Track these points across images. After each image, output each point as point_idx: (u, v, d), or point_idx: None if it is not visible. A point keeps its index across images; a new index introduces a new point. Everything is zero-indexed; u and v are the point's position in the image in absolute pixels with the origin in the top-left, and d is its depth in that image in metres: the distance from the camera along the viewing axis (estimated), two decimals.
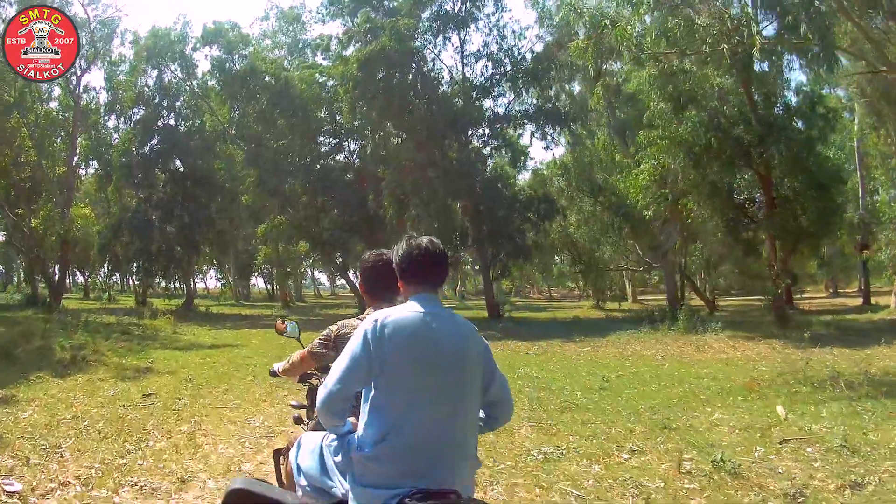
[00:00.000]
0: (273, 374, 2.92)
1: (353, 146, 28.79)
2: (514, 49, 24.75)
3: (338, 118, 27.40)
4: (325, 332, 2.60)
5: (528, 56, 24.38)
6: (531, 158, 31.20)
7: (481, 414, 2.12)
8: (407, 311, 2.00)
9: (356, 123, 25.78)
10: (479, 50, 25.03)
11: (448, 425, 1.93)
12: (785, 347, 12.36)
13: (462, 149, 23.95)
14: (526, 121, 24.85)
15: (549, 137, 24.92)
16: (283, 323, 3.06)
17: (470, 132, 24.22)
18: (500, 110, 25.25)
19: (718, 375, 9.31)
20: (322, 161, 27.78)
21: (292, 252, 35.71)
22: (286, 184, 26.79)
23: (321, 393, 1.98)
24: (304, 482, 2.14)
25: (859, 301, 25.01)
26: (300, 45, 33.02)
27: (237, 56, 27.32)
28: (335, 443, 2.05)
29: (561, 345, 14.29)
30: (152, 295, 31.58)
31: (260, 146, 26.26)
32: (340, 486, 1.99)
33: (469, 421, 2.01)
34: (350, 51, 23.93)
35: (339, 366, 1.96)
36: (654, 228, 21.86)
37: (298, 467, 2.17)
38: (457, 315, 2.11)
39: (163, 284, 32.00)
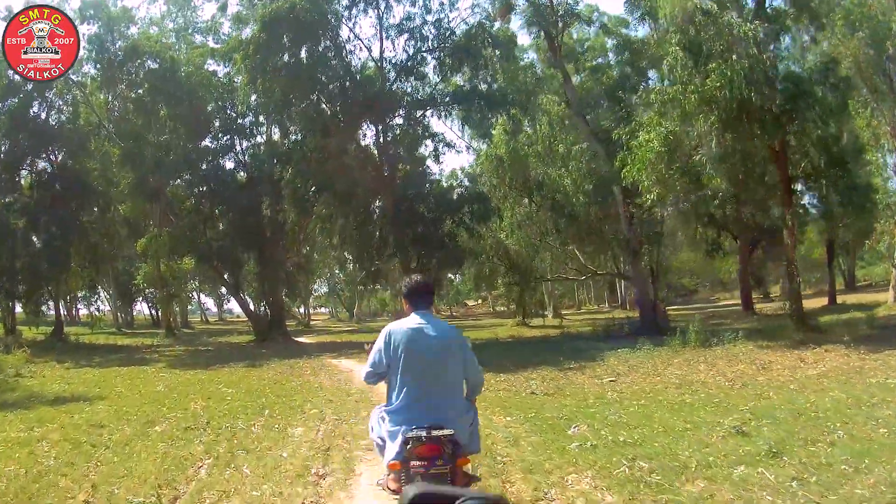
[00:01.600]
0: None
1: (245, 144, 24.44)
2: (443, 22, 21.15)
3: (229, 111, 23.50)
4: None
5: (460, 30, 21.05)
6: (458, 151, 27.56)
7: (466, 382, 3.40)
8: (408, 322, 3.31)
9: (253, 101, 21.31)
10: (401, 23, 21.25)
11: (437, 389, 3.19)
12: (858, 353, 10.07)
13: (380, 137, 20.83)
14: (455, 105, 21.46)
15: (482, 124, 21.99)
16: (368, 346, 3.63)
17: (389, 118, 20.81)
18: (426, 92, 21.66)
19: None
20: (211, 160, 23.33)
21: (176, 270, 30.35)
22: (168, 186, 22.57)
23: (362, 371, 3.40)
24: (373, 434, 3.46)
25: (823, 301, 23.21)
26: (190, 31, 28.35)
27: (118, 35, 23.07)
28: (378, 410, 3.40)
29: (564, 376, 10.21)
30: (30, 322, 27.08)
31: (140, 142, 21.68)
32: (382, 432, 3.27)
33: (453, 386, 3.28)
34: (248, 32, 20.32)
35: (370, 357, 3.34)
36: (605, 231, 19.59)
37: (371, 427, 3.50)
38: (442, 322, 3.45)
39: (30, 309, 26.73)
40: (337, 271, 48.36)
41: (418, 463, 2.93)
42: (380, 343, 3.27)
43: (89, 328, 32.58)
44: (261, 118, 23.74)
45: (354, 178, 19.67)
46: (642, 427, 5.98)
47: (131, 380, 11.92)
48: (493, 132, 21.18)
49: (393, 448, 3.10)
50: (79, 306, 50.11)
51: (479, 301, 60.18)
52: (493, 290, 32.05)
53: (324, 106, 20.48)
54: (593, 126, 20.06)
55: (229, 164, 24.39)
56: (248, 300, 27.56)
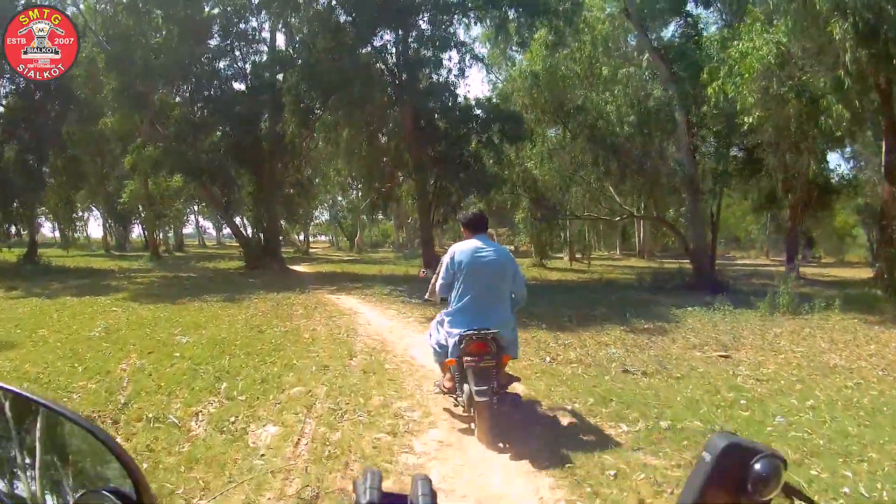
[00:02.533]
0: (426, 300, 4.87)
1: (246, 49, 20.90)
2: None
3: (229, 12, 19.97)
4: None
5: None
6: (487, 65, 23.27)
7: (513, 297, 4.20)
8: (468, 244, 4.12)
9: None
10: None
11: (489, 299, 4.00)
12: None
13: (400, 44, 17.44)
14: (488, 9, 17.42)
15: (518, 34, 17.81)
16: (423, 272, 5.08)
17: (411, 20, 17.22)
18: None
19: None
20: (206, 65, 19.91)
21: (166, 188, 27.35)
22: (156, 93, 19.29)
23: (437, 284, 4.23)
24: (430, 340, 4.33)
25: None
26: None
27: None
28: (441, 316, 4.21)
29: (648, 341, 7.46)
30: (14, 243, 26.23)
31: (128, 44, 18.13)
32: (441, 337, 4.13)
33: (502, 298, 4.08)
34: None
35: (439, 273, 4.18)
36: (652, 166, 16.52)
37: (430, 334, 4.38)
38: (499, 245, 4.33)
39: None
40: (339, 198, 45.15)
41: (470, 358, 3.79)
42: (446, 259, 4.15)
43: (64, 250, 30.39)
44: (264, 23, 20.55)
45: (369, 81, 16.30)
46: (855, 453, 3.52)
47: (72, 316, 9.16)
48: (531, 45, 17.84)
49: (451, 346, 3.98)
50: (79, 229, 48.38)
51: (493, 234, 57.28)
52: (515, 226, 29.50)
53: (335, 2, 17.13)
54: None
55: (227, 72, 20.94)
56: (246, 224, 24.77)
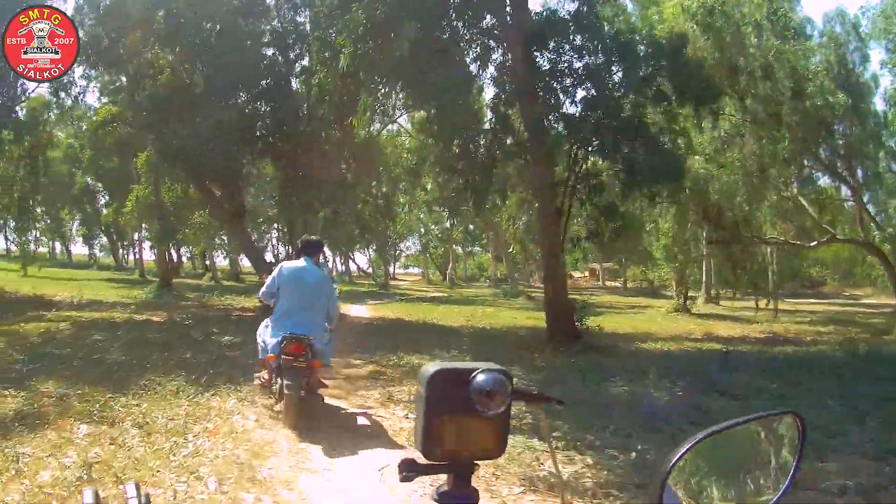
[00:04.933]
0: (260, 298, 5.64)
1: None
2: None
3: None
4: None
5: None
6: None
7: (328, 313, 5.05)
8: (295, 263, 5.13)
9: None
10: None
11: (306, 311, 4.80)
12: None
13: None
14: None
15: None
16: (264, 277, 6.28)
17: None
18: None
19: None
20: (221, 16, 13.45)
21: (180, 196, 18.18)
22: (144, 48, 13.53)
23: (261, 292, 5.18)
24: (259, 340, 4.98)
25: None
26: None
27: None
28: (268, 320, 4.98)
29: None
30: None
31: None
32: (266, 337, 4.82)
33: (318, 311, 4.91)
34: None
35: (267, 282, 5.10)
36: None
37: (259, 334, 5.01)
38: (316, 267, 5.07)
39: None
40: (422, 219, 39.14)
41: (287, 357, 4.56)
42: (274, 273, 5.07)
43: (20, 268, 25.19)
44: None
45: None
46: None
47: None
48: None
49: (271, 345, 4.70)
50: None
51: (585, 273, 50.59)
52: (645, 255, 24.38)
53: None
54: None
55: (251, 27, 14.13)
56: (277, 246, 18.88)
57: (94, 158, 27.14)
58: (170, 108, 12.51)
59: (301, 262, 5.05)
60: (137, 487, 0.86)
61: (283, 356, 4.57)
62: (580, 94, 10.56)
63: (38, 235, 35.57)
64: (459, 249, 41.01)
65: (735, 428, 0.91)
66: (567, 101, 10.64)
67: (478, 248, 52.11)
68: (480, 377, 0.81)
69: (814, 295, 32.53)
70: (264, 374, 5.01)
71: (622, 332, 13.05)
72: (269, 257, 18.36)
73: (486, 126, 11.77)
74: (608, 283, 44.57)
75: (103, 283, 23.58)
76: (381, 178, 20.76)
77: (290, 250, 14.92)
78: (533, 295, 26.28)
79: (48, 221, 37.07)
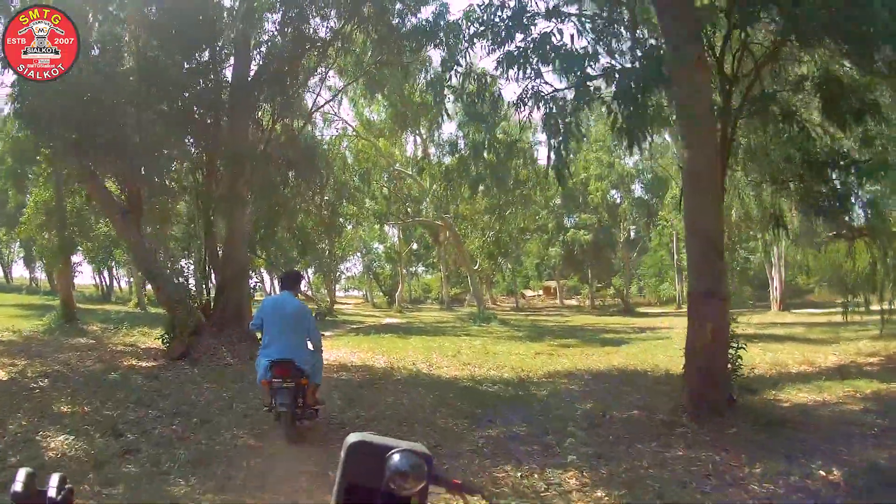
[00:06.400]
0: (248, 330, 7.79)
1: None
2: None
3: None
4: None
5: None
6: None
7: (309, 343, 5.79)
8: (276, 297, 6.12)
9: None
10: None
11: (289, 338, 5.56)
12: None
13: None
14: None
15: None
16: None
17: None
18: None
19: None
20: None
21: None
22: None
23: (250, 324, 6.30)
24: (257, 367, 5.72)
25: None
26: None
27: None
28: (259, 353, 5.80)
29: None
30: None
31: None
32: (259, 367, 5.63)
33: (299, 338, 5.66)
34: None
35: (254, 315, 6.12)
36: None
37: (257, 363, 5.79)
38: (294, 298, 5.89)
39: None
40: (362, 236, 36.87)
41: (276, 379, 5.33)
42: (260, 307, 6.07)
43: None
44: None
45: None
46: None
47: None
48: None
49: (262, 370, 5.51)
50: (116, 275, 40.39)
51: (539, 292, 49.78)
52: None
53: None
54: None
55: None
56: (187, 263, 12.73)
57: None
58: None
59: (282, 296, 5.88)
60: (62, 480, 0.87)
61: (273, 379, 5.38)
62: None
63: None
64: (403, 270, 39.58)
65: None
66: None
67: (422, 269, 51.55)
68: (396, 457, 0.80)
69: (803, 305, 27.80)
70: (265, 397, 5.70)
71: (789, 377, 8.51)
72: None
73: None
74: (566, 302, 41.17)
75: (11, 308, 20.60)
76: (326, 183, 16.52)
77: (207, 260, 11.66)
78: (506, 319, 23.22)
79: None
